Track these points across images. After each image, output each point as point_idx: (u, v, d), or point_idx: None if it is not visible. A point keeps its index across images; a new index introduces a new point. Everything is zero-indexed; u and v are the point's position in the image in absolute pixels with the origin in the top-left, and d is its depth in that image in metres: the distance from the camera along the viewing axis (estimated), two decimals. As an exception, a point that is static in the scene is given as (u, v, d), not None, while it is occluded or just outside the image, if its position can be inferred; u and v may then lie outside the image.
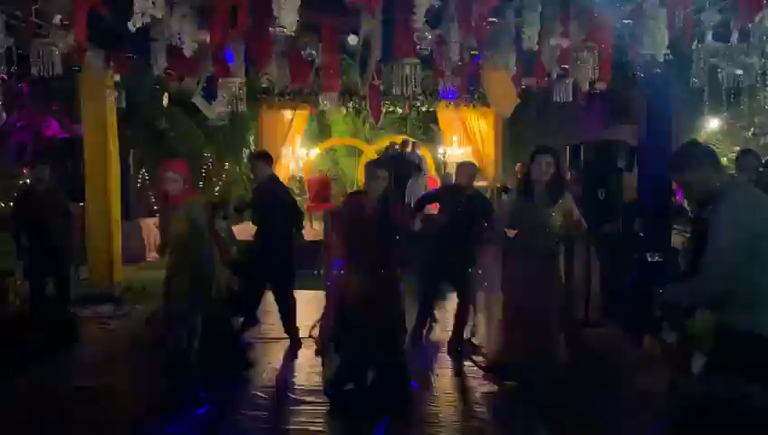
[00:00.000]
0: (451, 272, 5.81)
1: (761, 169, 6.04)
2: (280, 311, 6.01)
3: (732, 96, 4.74)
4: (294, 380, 5.28)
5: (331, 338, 4.76)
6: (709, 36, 4.58)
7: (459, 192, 5.79)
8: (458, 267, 5.76)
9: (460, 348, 5.83)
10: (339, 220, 4.59)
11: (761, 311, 2.76)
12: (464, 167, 5.94)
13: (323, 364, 5.05)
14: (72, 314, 6.65)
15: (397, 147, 11.81)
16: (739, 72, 4.47)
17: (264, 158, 6.17)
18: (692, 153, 3.00)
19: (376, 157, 12.30)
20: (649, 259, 4.28)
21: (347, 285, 4.52)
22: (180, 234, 4.62)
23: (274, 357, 5.81)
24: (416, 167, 11.03)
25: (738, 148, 10.94)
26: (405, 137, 12.82)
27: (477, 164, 11.88)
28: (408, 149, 11.50)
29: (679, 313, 4.85)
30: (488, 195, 11.62)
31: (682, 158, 3.00)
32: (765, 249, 2.75)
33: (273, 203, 5.92)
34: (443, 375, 5.39)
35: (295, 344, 5.99)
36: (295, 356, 5.83)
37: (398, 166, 10.69)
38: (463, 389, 5.13)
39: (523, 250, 4.70)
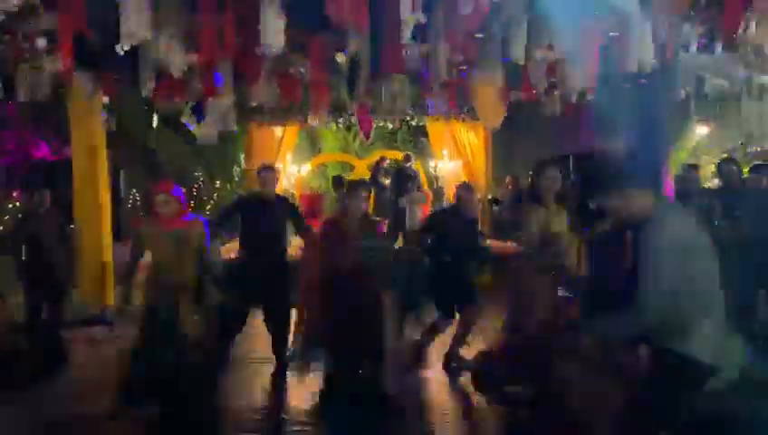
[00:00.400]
0: (452, 291, 5.81)
1: (744, 176, 6.11)
2: (275, 330, 5.77)
3: (719, 106, 4.78)
4: (287, 401, 5.25)
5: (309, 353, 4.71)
6: (693, 47, 4.62)
7: (458, 215, 5.85)
8: (459, 286, 5.75)
9: (456, 363, 5.80)
10: (320, 240, 4.61)
11: (691, 334, 2.77)
12: (463, 190, 5.92)
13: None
14: (60, 336, 6.59)
15: (387, 162, 11.85)
16: (724, 82, 4.50)
17: (275, 171, 5.91)
18: (621, 176, 2.95)
19: (368, 170, 12.37)
20: (560, 293, 4.06)
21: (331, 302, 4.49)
22: (177, 258, 4.56)
23: (266, 378, 5.74)
24: (412, 179, 11.07)
25: (725, 155, 11.02)
26: (396, 153, 12.89)
27: (468, 176, 11.95)
28: (409, 163, 11.59)
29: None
30: (479, 207, 11.64)
31: (612, 179, 2.95)
32: (695, 273, 2.75)
33: (278, 218, 5.76)
34: (439, 391, 5.35)
35: (284, 365, 5.77)
36: (284, 377, 5.68)
37: (400, 178, 10.69)
38: (459, 405, 5.09)
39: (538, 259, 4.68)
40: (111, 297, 8.40)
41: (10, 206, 10.99)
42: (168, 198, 4.55)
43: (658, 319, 2.75)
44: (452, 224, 5.81)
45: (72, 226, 8.31)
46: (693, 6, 4.50)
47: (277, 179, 5.96)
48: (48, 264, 6.42)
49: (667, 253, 2.71)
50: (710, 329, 2.80)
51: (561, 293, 4.00)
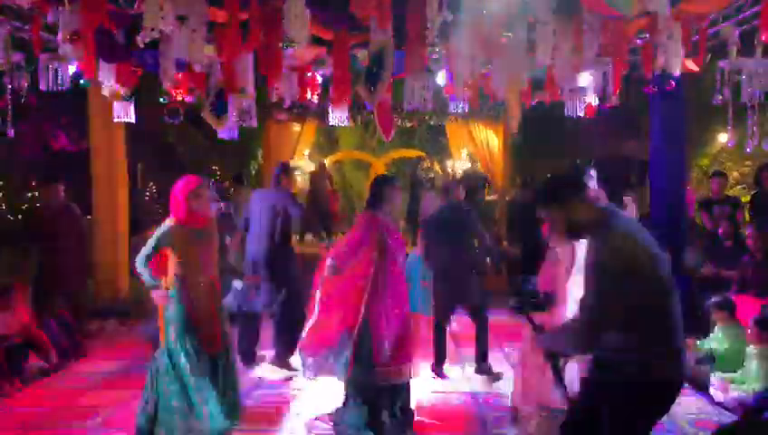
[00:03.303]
0: (458, 294, 5.73)
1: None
2: (289, 327, 5.70)
3: (754, 110, 4.64)
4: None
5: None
6: (734, 53, 4.48)
7: (446, 213, 5.80)
8: (463, 287, 5.66)
9: (482, 370, 5.68)
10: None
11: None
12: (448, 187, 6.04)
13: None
14: (80, 329, 6.60)
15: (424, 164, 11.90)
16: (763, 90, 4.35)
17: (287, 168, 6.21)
18: (559, 185, 2.85)
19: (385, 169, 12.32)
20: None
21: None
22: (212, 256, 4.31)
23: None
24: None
25: (749, 162, 10.79)
26: (414, 151, 12.83)
27: (487, 177, 11.86)
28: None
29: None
30: (497, 208, 11.56)
31: (550, 190, 2.85)
32: (641, 284, 2.56)
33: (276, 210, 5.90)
34: (461, 401, 5.23)
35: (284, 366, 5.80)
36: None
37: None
38: (484, 415, 4.95)
39: None
40: (126, 289, 8.41)
41: (29, 194, 11.05)
42: (204, 192, 4.20)
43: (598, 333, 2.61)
44: (442, 223, 5.76)
45: (89, 216, 8.34)
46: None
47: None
48: (61, 256, 6.46)
49: (610, 263, 2.55)
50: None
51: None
